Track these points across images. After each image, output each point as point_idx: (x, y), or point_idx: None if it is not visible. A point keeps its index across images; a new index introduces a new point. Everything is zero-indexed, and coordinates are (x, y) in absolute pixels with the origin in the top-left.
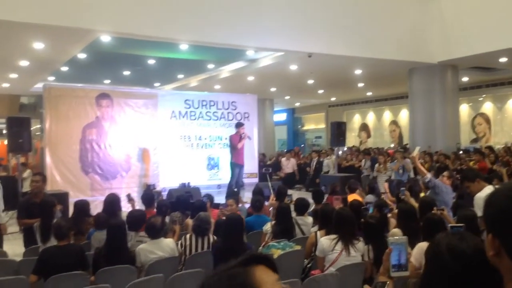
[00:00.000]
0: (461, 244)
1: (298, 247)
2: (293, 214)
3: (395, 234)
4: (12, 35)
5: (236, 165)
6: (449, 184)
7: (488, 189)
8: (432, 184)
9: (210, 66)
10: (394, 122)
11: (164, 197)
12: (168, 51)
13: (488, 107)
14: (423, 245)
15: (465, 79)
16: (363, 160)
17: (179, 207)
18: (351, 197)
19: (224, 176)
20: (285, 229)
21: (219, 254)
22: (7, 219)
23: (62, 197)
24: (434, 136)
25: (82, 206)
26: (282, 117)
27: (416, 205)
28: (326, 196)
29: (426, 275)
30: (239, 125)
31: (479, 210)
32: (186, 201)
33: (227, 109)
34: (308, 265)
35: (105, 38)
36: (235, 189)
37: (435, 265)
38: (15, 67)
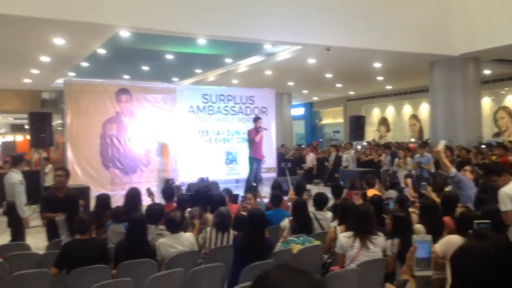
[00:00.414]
0: (483, 244)
1: (317, 242)
2: (312, 209)
3: (418, 230)
4: (33, 31)
5: (255, 160)
6: (471, 179)
7: None
8: (457, 179)
9: (228, 60)
10: (414, 116)
11: (183, 191)
12: (186, 46)
13: (511, 101)
14: (452, 238)
15: (487, 71)
16: (383, 155)
17: (198, 201)
18: (371, 192)
19: (242, 170)
20: (302, 224)
21: (241, 249)
22: (30, 213)
23: (84, 192)
24: (455, 130)
25: (104, 200)
26: (300, 111)
27: (437, 199)
28: (345, 191)
29: (456, 283)
30: (256, 119)
31: (503, 205)
32: (205, 195)
33: (245, 103)
34: (328, 260)
35: (124, 34)
36: (254, 184)
37: (461, 270)
38: (36, 63)
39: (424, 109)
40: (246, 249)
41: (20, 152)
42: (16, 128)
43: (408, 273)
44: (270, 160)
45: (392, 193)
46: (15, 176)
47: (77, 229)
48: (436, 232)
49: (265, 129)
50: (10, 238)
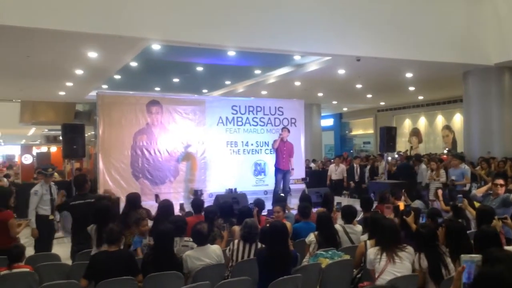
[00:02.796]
0: (497, 269)
1: (347, 257)
2: (341, 222)
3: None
4: (67, 45)
5: (278, 170)
6: (502, 192)
7: None
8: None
9: (257, 72)
10: (447, 127)
11: (211, 202)
12: (216, 58)
13: None
14: None
15: None
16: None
17: (224, 214)
18: (402, 205)
19: (271, 182)
20: (328, 237)
21: (264, 262)
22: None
23: (114, 202)
24: (490, 142)
25: (134, 199)
26: (329, 122)
27: (473, 212)
28: (375, 204)
29: None
30: (282, 129)
31: None
32: (231, 208)
33: (274, 114)
34: (358, 276)
35: (156, 46)
36: (282, 194)
37: None
38: (70, 76)
39: (458, 120)
40: (268, 262)
41: (53, 163)
42: (50, 139)
43: None
44: (298, 171)
45: (418, 204)
46: (35, 187)
47: (106, 240)
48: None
49: (282, 139)
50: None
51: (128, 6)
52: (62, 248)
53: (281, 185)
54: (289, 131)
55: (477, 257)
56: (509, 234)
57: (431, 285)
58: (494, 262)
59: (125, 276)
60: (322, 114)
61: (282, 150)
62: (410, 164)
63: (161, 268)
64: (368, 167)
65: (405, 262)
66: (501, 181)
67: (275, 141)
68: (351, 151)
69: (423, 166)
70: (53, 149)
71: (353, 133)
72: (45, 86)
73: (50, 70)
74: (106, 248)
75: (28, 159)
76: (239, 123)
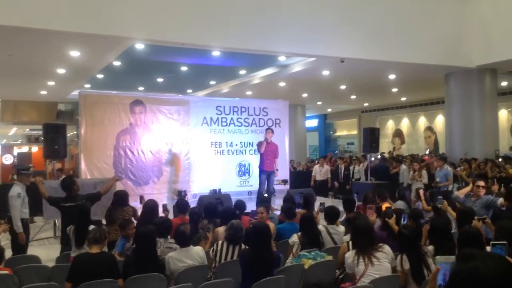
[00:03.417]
0: (472, 265)
1: (329, 257)
2: (324, 222)
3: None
4: (49, 44)
5: (262, 171)
6: (483, 194)
7: None
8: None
9: (242, 72)
10: (430, 128)
11: (194, 203)
12: (201, 58)
13: None
14: None
15: (503, 83)
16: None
17: (208, 215)
18: (385, 206)
19: (255, 182)
20: (311, 238)
21: (247, 263)
22: (42, 223)
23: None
24: (472, 143)
25: (122, 196)
26: (313, 123)
27: (453, 214)
28: (358, 204)
29: None
30: (266, 130)
31: None
32: (215, 209)
33: (258, 115)
34: (340, 276)
35: (139, 46)
36: (265, 195)
37: None
38: (52, 75)
39: (440, 121)
40: (251, 264)
41: (34, 163)
42: (32, 139)
43: None
44: (283, 172)
45: (400, 204)
46: (14, 189)
47: (88, 241)
48: (448, 255)
49: (265, 140)
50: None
51: (111, 5)
52: (43, 250)
53: (265, 186)
54: (273, 132)
55: (452, 258)
56: (489, 235)
57: (412, 286)
58: (468, 259)
59: (107, 278)
60: (307, 115)
61: (267, 152)
62: (386, 165)
63: (143, 270)
64: (352, 168)
65: (383, 262)
66: (482, 183)
67: (260, 144)
68: (336, 151)
69: (404, 166)
70: (35, 149)
71: (337, 134)
72: (26, 85)
73: (32, 69)
74: (88, 250)
75: (8, 159)
76: (224, 124)
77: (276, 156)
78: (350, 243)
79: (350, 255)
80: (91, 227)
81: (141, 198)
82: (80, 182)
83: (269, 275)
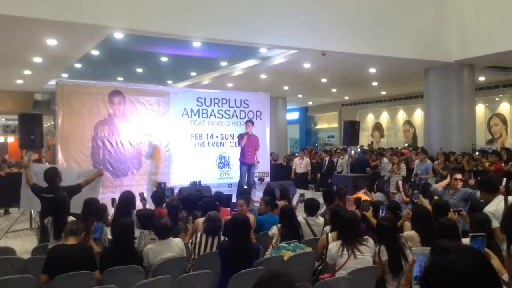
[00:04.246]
0: (447, 259)
1: (308, 249)
2: (304, 214)
3: (411, 237)
4: (25, 32)
5: (242, 164)
6: (460, 187)
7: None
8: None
9: (223, 63)
10: (408, 122)
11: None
12: (181, 48)
13: (505, 107)
14: None
15: (481, 78)
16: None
17: (187, 206)
18: (356, 196)
19: (235, 175)
20: (290, 229)
21: (226, 255)
22: (18, 215)
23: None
24: (449, 137)
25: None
26: (294, 115)
27: (429, 207)
28: None
29: None
30: (246, 122)
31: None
32: (195, 200)
33: (239, 107)
34: (319, 268)
35: (118, 35)
36: (245, 187)
37: None
38: (28, 64)
39: (418, 115)
40: (230, 256)
41: (10, 153)
42: (7, 130)
43: (407, 287)
44: (263, 164)
45: (379, 196)
46: None
47: (65, 233)
48: (429, 242)
49: (247, 134)
50: None
51: None
52: (18, 242)
53: (246, 178)
54: (253, 123)
55: (427, 249)
56: (465, 227)
57: (389, 277)
58: (442, 253)
59: (83, 270)
60: (288, 108)
61: (247, 144)
62: (365, 158)
63: (121, 262)
64: (335, 160)
65: (366, 255)
66: (459, 176)
67: (241, 137)
68: (316, 144)
69: (385, 160)
70: (11, 139)
71: (318, 127)
72: (2, 74)
73: (7, 58)
74: (64, 241)
75: None
76: (204, 115)
77: (257, 148)
78: (330, 234)
79: (334, 246)
80: (71, 219)
81: (113, 200)
82: (63, 170)
83: (249, 267)
